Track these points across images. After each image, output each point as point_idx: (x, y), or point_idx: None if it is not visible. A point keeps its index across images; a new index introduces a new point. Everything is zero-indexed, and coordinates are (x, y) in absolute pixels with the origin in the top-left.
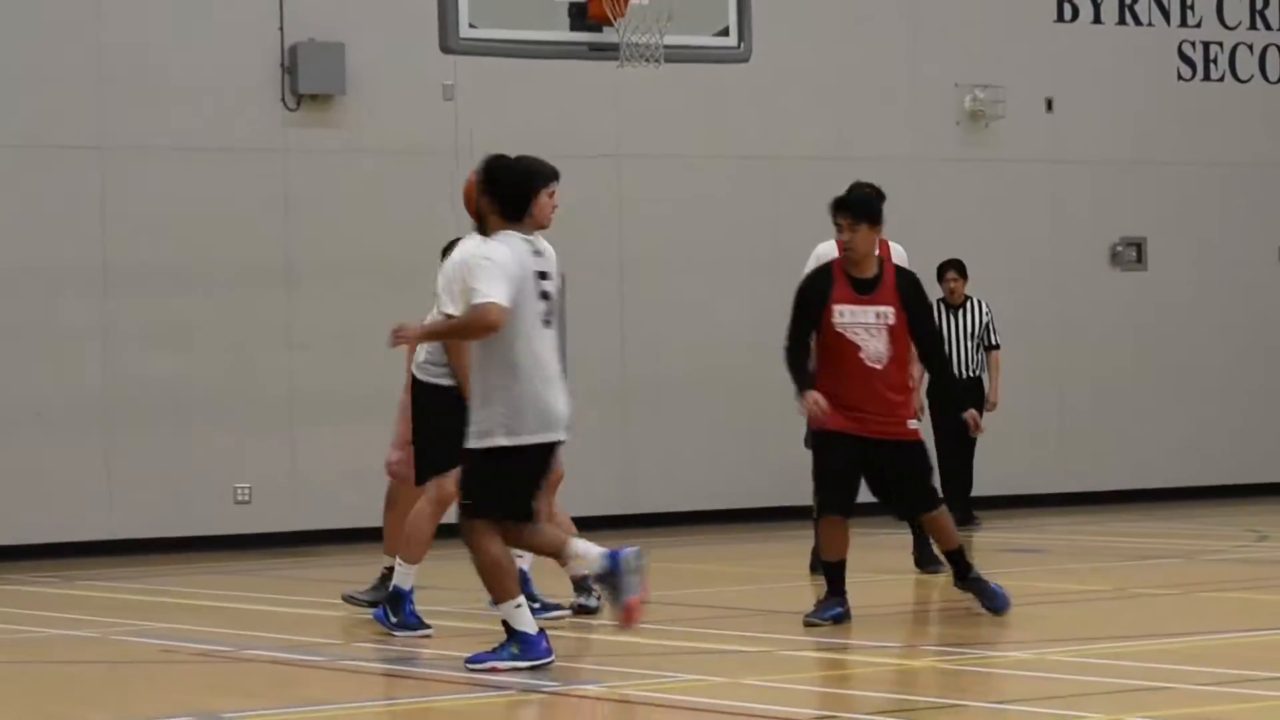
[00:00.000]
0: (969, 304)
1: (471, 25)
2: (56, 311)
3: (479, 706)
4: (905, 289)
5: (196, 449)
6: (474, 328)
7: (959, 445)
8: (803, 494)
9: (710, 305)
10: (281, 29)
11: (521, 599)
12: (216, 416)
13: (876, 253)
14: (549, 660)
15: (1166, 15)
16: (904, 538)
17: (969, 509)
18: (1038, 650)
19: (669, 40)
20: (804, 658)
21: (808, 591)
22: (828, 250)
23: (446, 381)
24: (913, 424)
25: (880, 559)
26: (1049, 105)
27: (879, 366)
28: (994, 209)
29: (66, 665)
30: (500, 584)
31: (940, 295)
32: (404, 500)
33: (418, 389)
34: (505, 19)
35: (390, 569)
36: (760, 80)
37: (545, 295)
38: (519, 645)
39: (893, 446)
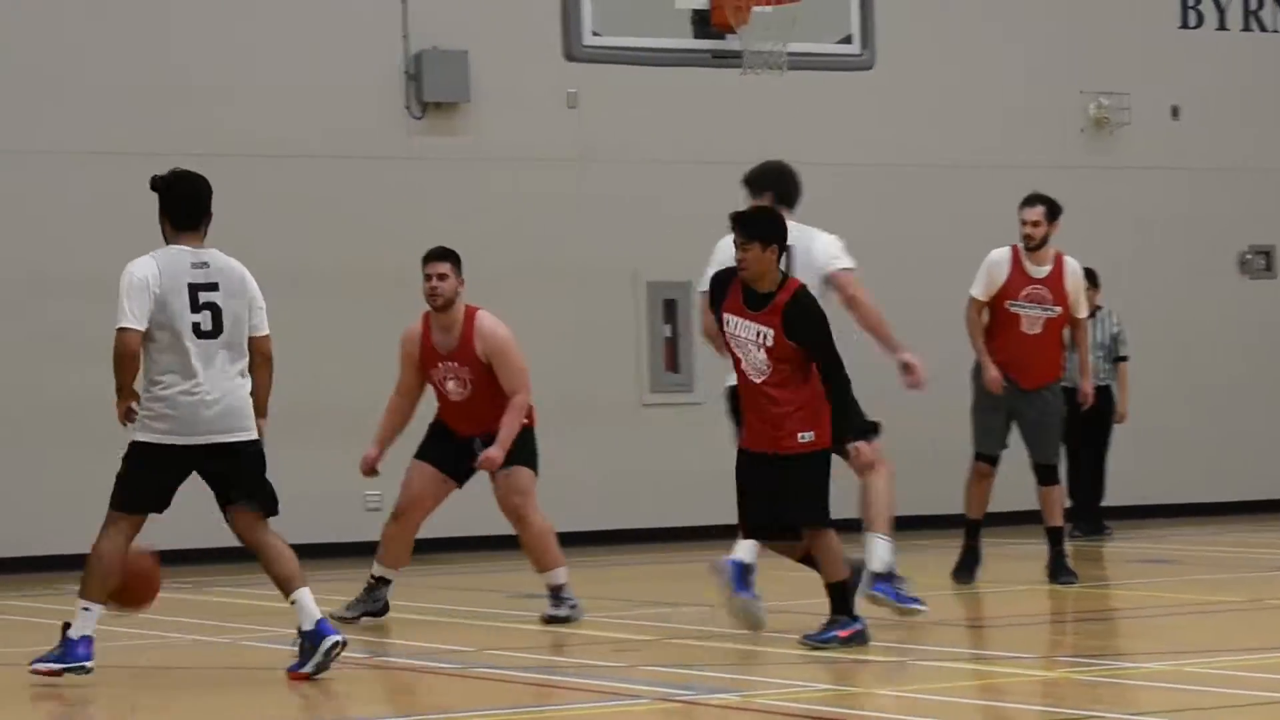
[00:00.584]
0: (1099, 314)
1: (595, 33)
2: None
3: (611, 714)
4: (791, 314)
5: (329, 457)
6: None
7: (1092, 455)
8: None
9: (831, 310)
10: (405, 37)
11: (89, 603)
12: (347, 425)
13: (778, 272)
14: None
15: None
16: (1036, 549)
17: (1099, 519)
18: (1173, 661)
19: (792, 47)
20: (937, 668)
21: (944, 600)
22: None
23: None
24: (805, 437)
25: (1013, 570)
26: (1174, 113)
27: (758, 381)
28: (1119, 217)
29: (199, 671)
30: (86, 581)
31: None
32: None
33: None
34: (629, 27)
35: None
36: (883, 87)
37: (205, 307)
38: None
39: (772, 460)
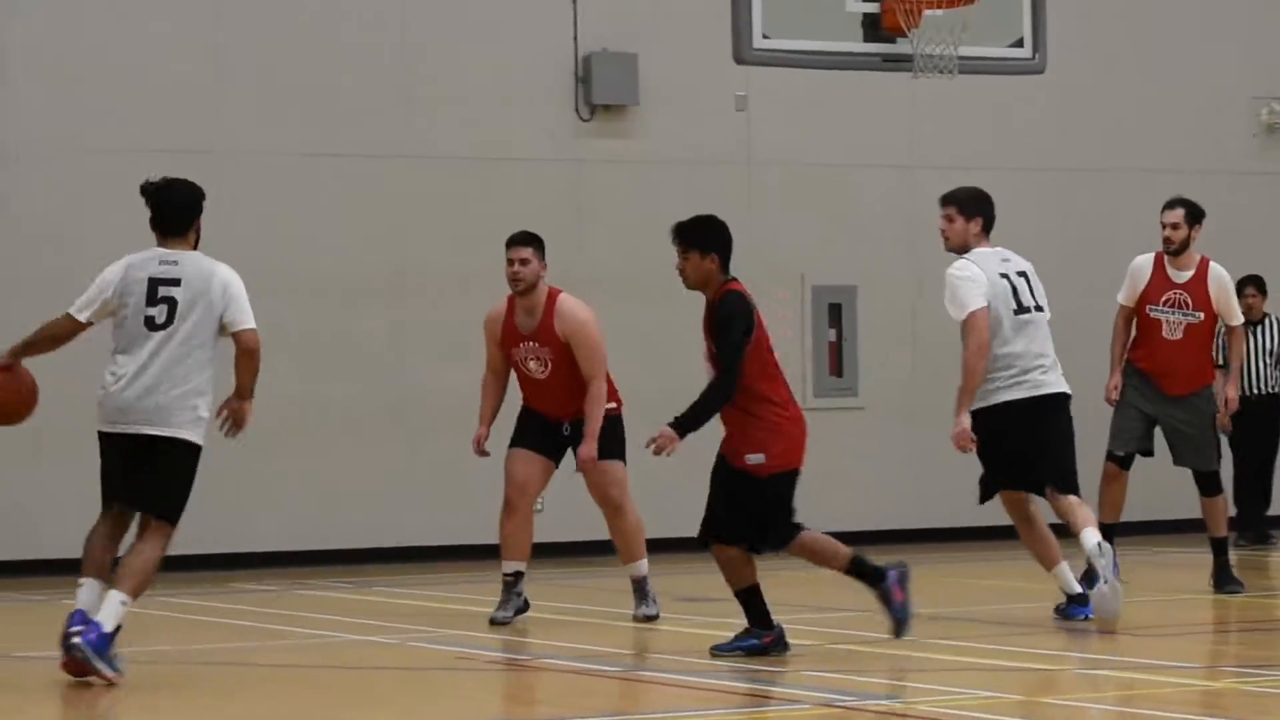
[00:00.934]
0: (1267, 320)
1: (765, 36)
2: (354, 320)
3: (772, 718)
4: (712, 316)
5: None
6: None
7: (1258, 462)
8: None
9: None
10: (575, 39)
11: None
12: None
13: (717, 280)
14: None
15: None
16: (1201, 557)
17: (1264, 527)
18: None
19: (963, 51)
20: (1101, 677)
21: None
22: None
23: None
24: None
25: (1177, 579)
26: None
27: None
28: None
29: (364, 671)
30: None
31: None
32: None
33: None
34: (799, 30)
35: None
36: (1054, 92)
37: (161, 300)
38: None
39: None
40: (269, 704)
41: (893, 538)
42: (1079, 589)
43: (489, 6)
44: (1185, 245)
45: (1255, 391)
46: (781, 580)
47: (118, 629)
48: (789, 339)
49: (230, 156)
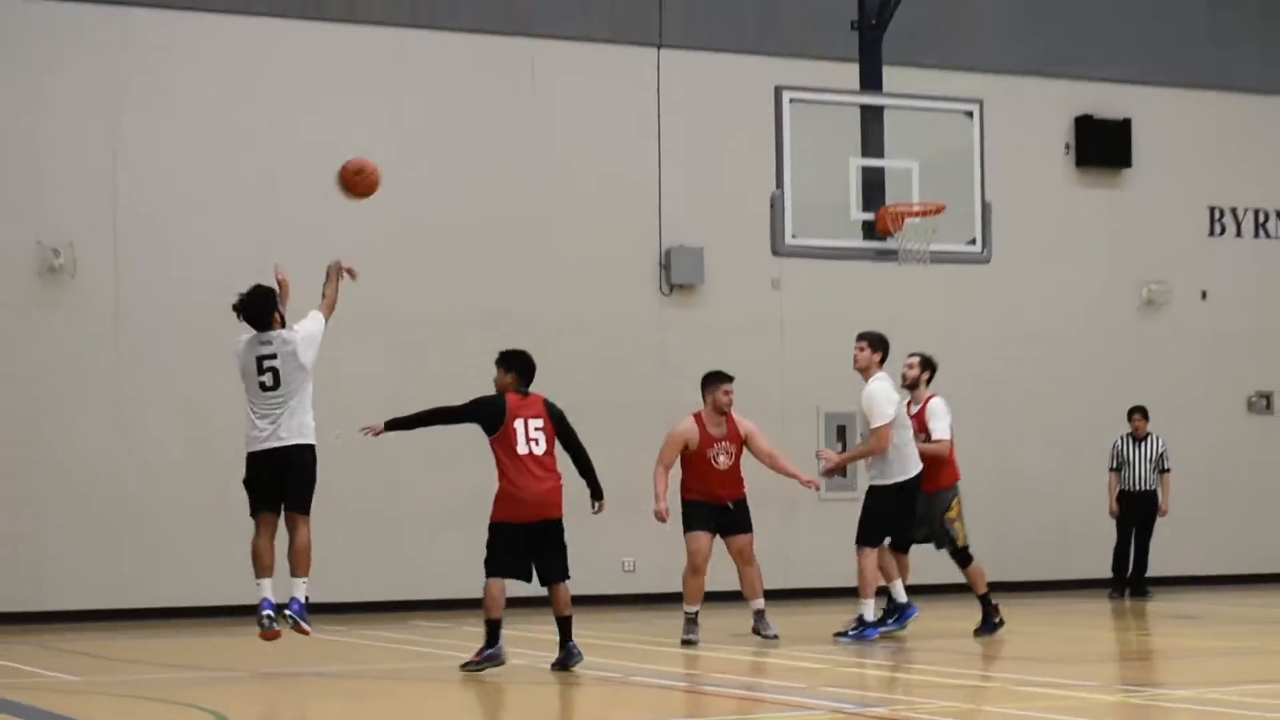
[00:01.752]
0: (1149, 438)
1: (793, 236)
2: None
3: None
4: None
5: (598, 532)
6: None
7: (1140, 539)
8: None
9: (1058, 437)
10: (660, 237)
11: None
12: (613, 510)
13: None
14: None
15: None
16: (1095, 604)
17: (1144, 585)
18: (1198, 690)
19: (933, 247)
20: (1025, 691)
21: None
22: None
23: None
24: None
25: (1078, 622)
26: (1204, 295)
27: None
28: (1164, 372)
29: (505, 683)
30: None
31: (1129, 430)
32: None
33: None
34: (817, 231)
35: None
36: (996, 276)
37: (267, 370)
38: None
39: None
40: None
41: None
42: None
43: (604, 213)
44: (916, 384)
45: (1139, 488)
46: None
47: (307, 599)
48: (808, 452)
49: (410, 318)
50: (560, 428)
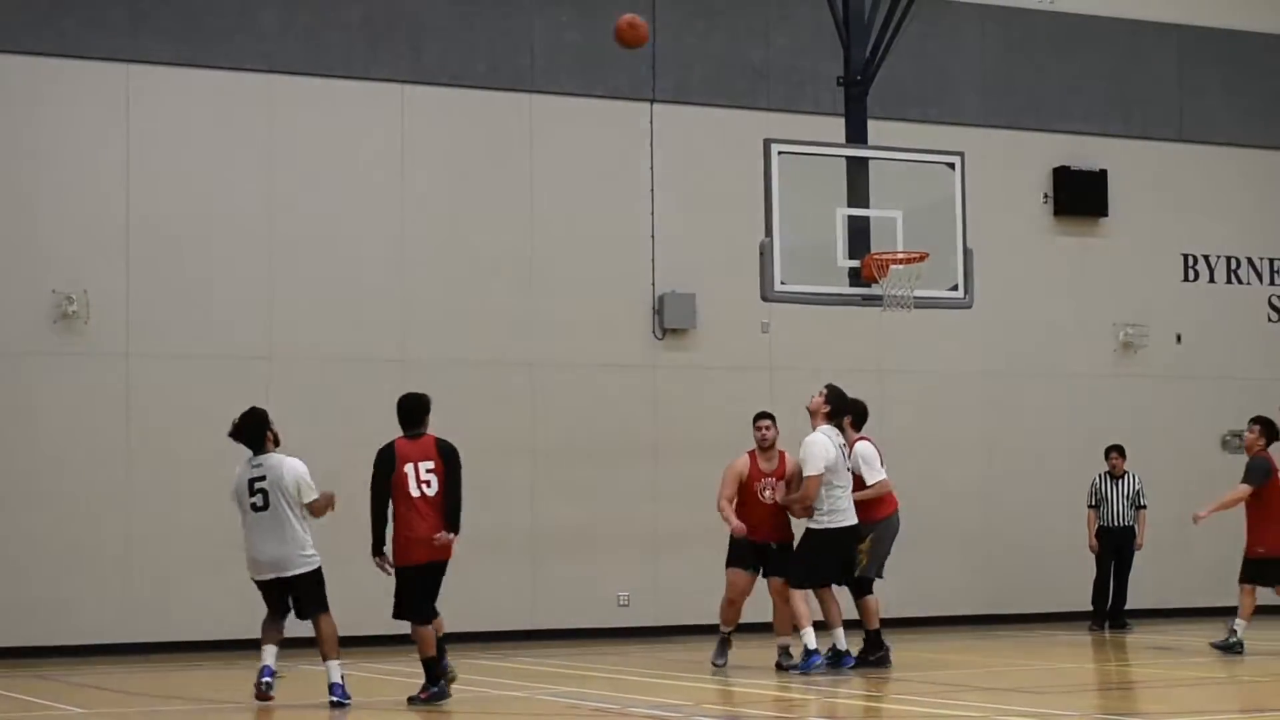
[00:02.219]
0: (1127, 475)
1: (782, 282)
2: (499, 471)
3: None
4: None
5: (599, 568)
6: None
7: (1121, 572)
8: None
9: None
10: (653, 283)
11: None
12: (608, 546)
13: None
14: None
15: None
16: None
17: (1123, 617)
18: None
19: (916, 293)
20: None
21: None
22: None
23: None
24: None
25: (1054, 653)
26: (1178, 339)
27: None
28: (1142, 411)
29: (503, 715)
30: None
31: (1106, 468)
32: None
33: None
34: (804, 278)
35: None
36: (978, 320)
37: (257, 492)
38: None
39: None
40: None
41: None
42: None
43: (600, 261)
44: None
45: (1117, 524)
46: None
47: (343, 678)
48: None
49: (414, 364)
50: (447, 466)
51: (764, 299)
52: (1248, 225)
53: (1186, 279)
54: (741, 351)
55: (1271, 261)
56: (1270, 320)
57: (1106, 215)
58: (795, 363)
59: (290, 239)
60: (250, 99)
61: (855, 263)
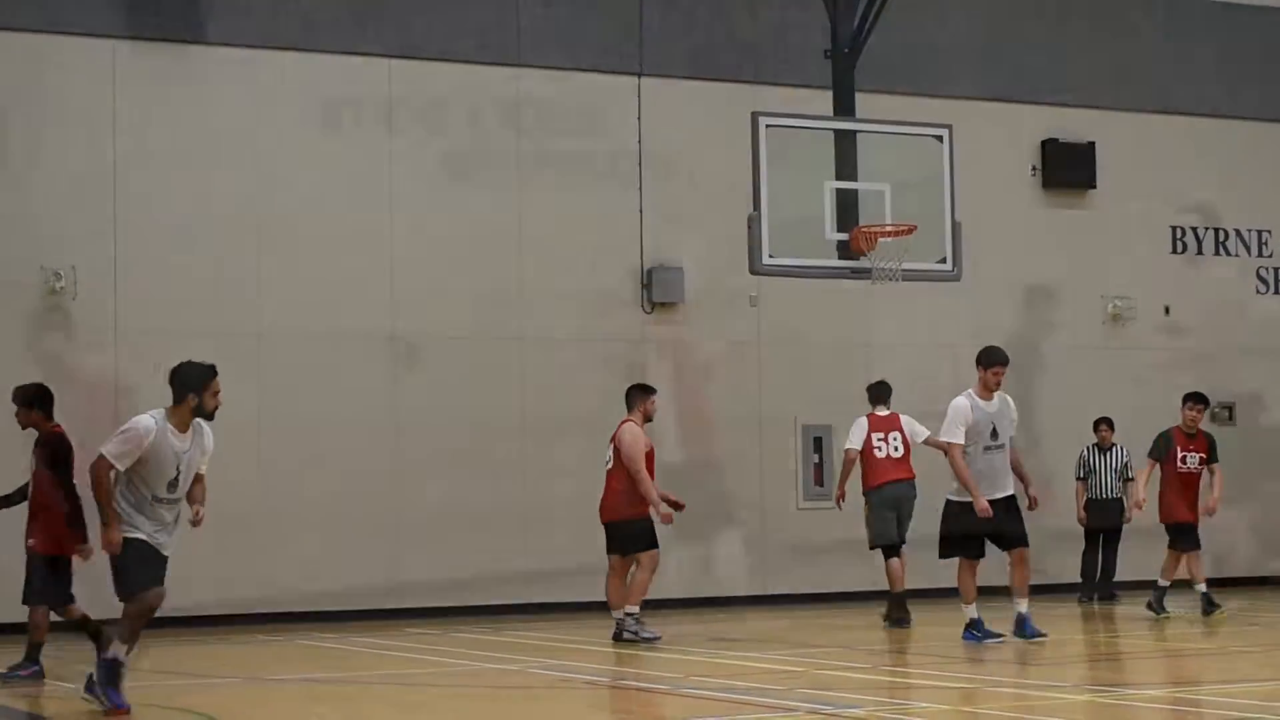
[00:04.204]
0: (1115, 448)
1: (770, 255)
2: (491, 447)
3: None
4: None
5: (590, 541)
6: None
7: (1108, 544)
8: None
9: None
10: (642, 257)
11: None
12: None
13: None
14: None
15: None
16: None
17: (1111, 589)
18: (1166, 690)
19: (905, 265)
20: (1003, 693)
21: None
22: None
23: None
24: None
25: (1052, 625)
26: (1166, 310)
27: None
28: (1126, 381)
29: (496, 690)
30: None
31: (1095, 441)
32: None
33: None
34: (793, 251)
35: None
36: (965, 292)
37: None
38: None
39: None
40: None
41: (866, 597)
42: None
43: (588, 235)
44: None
45: (1105, 495)
46: (791, 617)
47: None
48: (788, 461)
49: (403, 340)
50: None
51: (752, 272)
52: (1236, 197)
53: (1174, 251)
54: (730, 324)
55: (1259, 233)
56: (1258, 292)
57: (1095, 187)
58: (783, 335)
59: (279, 215)
60: (238, 74)
61: (843, 235)
